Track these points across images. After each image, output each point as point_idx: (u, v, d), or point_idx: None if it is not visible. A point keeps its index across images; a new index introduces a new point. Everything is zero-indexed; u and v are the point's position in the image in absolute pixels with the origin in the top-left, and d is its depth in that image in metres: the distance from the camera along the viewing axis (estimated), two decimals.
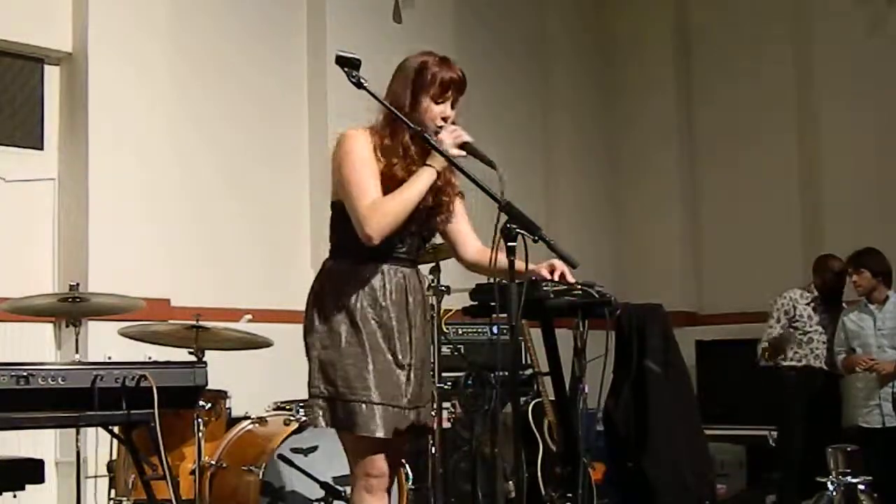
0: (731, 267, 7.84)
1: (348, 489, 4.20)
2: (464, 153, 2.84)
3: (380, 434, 2.81)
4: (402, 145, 2.87)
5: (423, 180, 2.82)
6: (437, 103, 2.90)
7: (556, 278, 2.86)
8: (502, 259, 2.66)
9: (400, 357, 2.89)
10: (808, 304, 6.16)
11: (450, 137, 2.83)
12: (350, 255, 2.90)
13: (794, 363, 6.12)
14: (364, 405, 2.81)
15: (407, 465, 4.40)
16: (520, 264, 2.66)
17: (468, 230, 3.11)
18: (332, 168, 2.93)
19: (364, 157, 2.85)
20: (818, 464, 4.83)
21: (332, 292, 2.89)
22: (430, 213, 2.96)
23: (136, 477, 3.90)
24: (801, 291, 6.21)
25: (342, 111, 5.56)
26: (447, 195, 2.97)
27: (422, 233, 2.99)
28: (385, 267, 2.90)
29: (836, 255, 6.17)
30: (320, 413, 2.87)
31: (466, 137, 2.84)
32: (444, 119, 2.90)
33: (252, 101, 6.13)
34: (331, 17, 6.32)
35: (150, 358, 3.89)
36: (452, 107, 2.93)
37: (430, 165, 2.83)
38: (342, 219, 2.89)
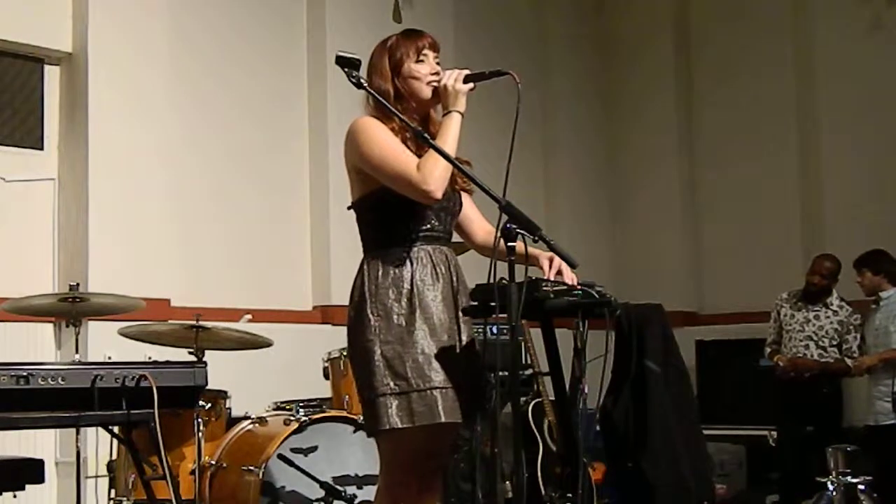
0: (731, 267, 7.84)
1: (348, 489, 4.23)
2: (472, 85, 2.86)
3: (458, 420, 2.80)
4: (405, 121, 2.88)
5: (453, 126, 2.83)
6: (418, 63, 2.92)
7: (553, 273, 2.87)
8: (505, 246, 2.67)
9: (458, 336, 2.87)
10: (790, 303, 6.21)
11: (451, 80, 2.85)
12: (390, 244, 2.88)
13: (779, 362, 6.16)
14: (440, 391, 2.77)
15: None
16: (521, 246, 2.66)
17: (476, 215, 3.13)
18: (350, 163, 2.91)
19: (386, 132, 2.85)
20: (816, 464, 4.84)
21: (382, 284, 2.84)
22: (452, 184, 2.95)
23: (136, 477, 3.91)
24: (790, 292, 6.27)
25: (343, 111, 5.57)
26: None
27: (452, 207, 2.99)
28: (428, 247, 2.90)
29: (832, 255, 6.20)
30: (394, 412, 2.76)
31: (464, 71, 2.87)
32: (436, 74, 2.91)
33: (253, 99, 6.14)
34: (331, 18, 6.33)
35: (149, 358, 3.89)
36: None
37: (452, 111, 2.84)
38: (373, 213, 2.90)
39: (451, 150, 2.80)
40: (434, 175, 2.76)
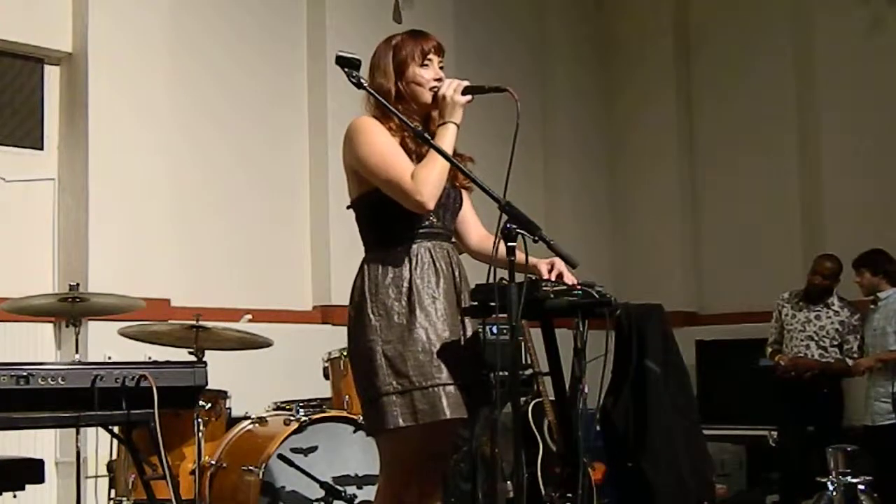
0: (731, 267, 7.84)
1: (348, 489, 4.23)
2: (471, 96, 2.85)
3: (462, 415, 2.79)
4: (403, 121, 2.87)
5: (448, 137, 2.82)
6: (422, 67, 2.92)
7: (554, 277, 2.86)
8: (503, 250, 2.66)
9: (461, 332, 2.87)
10: (792, 303, 6.21)
11: (450, 90, 2.84)
12: (390, 243, 2.88)
13: (780, 362, 6.15)
14: (443, 388, 2.76)
15: None
16: (520, 256, 2.66)
17: (472, 218, 3.12)
18: (348, 163, 2.90)
19: (384, 136, 2.85)
20: (817, 463, 4.85)
21: (382, 284, 2.84)
22: (452, 181, 2.95)
23: (136, 477, 3.91)
24: (791, 292, 6.26)
25: (343, 111, 5.57)
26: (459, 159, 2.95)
27: (452, 205, 2.98)
28: (428, 244, 2.89)
29: (833, 256, 6.19)
30: (398, 411, 2.75)
31: (464, 82, 2.85)
32: (438, 80, 2.90)
33: (253, 99, 6.14)
34: (331, 18, 6.33)
35: (150, 358, 3.89)
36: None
37: (448, 122, 2.83)
38: (371, 212, 2.90)
39: (444, 162, 2.78)
40: (427, 185, 2.76)
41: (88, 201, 5.26)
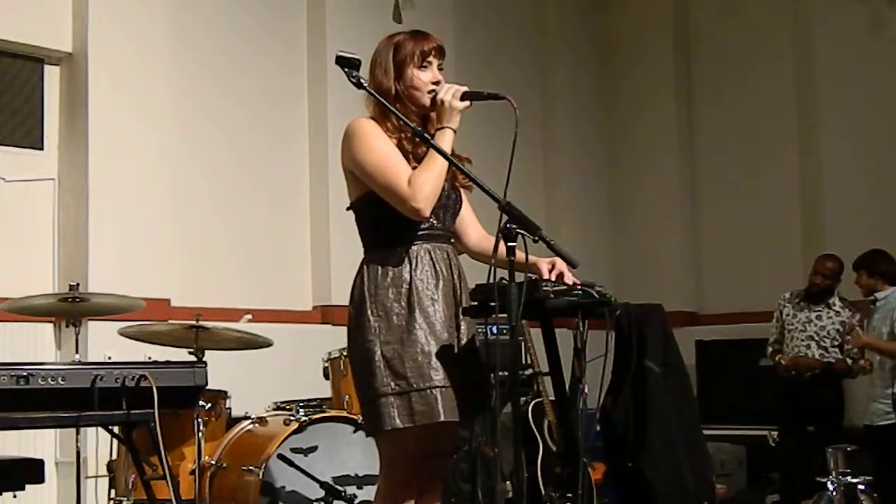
0: (731, 267, 7.85)
1: (348, 489, 4.23)
2: (469, 102, 2.84)
3: (458, 418, 2.80)
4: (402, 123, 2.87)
5: (445, 142, 2.82)
6: (421, 69, 2.91)
7: (554, 277, 2.86)
8: (503, 250, 2.66)
9: (459, 334, 2.87)
10: (793, 303, 6.20)
11: (449, 95, 2.83)
12: (390, 244, 2.87)
13: (781, 361, 6.15)
14: (440, 390, 2.76)
15: None
16: (520, 255, 2.66)
17: (471, 218, 3.12)
18: (346, 163, 2.90)
19: (381, 139, 2.84)
20: (818, 463, 4.85)
21: (381, 284, 2.83)
22: (452, 181, 2.95)
23: (136, 477, 3.91)
24: (792, 292, 6.26)
25: (343, 111, 5.57)
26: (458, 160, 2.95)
27: (452, 205, 2.98)
28: (427, 246, 2.89)
29: (835, 255, 6.19)
30: (395, 412, 2.75)
31: (462, 87, 2.84)
32: (437, 83, 2.89)
33: (253, 99, 6.14)
34: (331, 18, 6.33)
35: (149, 358, 3.89)
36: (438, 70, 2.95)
37: (445, 127, 2.82)
38: (371, 213, 2.89)
39: (441, 167, 2.78)
40: (424, 192, 2.75)
41: (88, 201, 5.26)
